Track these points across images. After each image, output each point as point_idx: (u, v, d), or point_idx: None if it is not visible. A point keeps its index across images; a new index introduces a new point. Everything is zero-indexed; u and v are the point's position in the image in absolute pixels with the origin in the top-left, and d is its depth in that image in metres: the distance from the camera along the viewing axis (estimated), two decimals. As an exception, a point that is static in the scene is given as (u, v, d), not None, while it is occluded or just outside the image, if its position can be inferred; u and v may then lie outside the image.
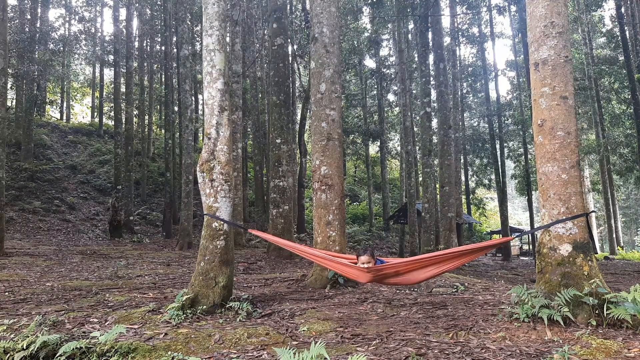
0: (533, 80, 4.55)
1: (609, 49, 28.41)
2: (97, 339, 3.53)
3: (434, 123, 19.25)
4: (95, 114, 35.52)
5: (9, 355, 3.39)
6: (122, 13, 23.46)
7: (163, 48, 26.05)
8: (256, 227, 17.76)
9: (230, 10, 14.49)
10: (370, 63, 34.20)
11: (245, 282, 7.28)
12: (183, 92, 16.55)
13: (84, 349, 3.38)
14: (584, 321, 3.92)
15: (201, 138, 30.17)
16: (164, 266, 9.74)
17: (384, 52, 30.88)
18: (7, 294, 5.92)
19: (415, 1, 16.51)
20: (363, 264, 4.58)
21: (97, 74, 33.84)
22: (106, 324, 4.34)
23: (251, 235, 14.98)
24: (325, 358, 2.73)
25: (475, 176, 31.27)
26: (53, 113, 34.96)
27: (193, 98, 23.49)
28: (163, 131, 30.35)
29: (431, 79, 17.07)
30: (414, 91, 25.33)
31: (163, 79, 29.13)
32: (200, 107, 30.39)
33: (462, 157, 28.17)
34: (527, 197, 22.52)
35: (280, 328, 4.24)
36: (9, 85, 20.94)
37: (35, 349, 3.37)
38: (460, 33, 25.67)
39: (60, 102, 35.43)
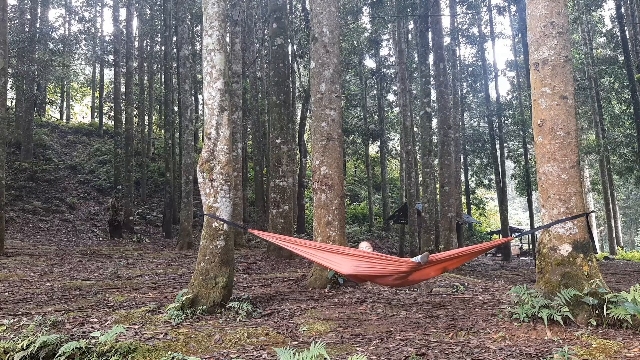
0: (533, 80, 4.55)
1: (609, 49, 28.39)
2: (97, 339, 3.53)
3: (434, 123, 19.24)
4: (95, 114, 35.50)
5: (9, 355, 3.39)
6: (122, 13, 23.47)
7: (163, 48, 26.05)
8: (256, 227, 17.76)
9: (230, 10, 14.49)
10: (370, 63, 34.21)
11: (245, 282, 7.27)
12: (183, 92, 16.54)
13: (84, 349, 3.38)
14: (584, 321, 3.92)
15: (201, 138, 30.16)
16: (164, 266, 9.74)
17: (383, 52, 30.90)
18: (7, 294, 5.92)
19: (415, 1, 16.49)
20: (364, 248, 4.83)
21: (97, 74, 33.82)
22: (106, 324, 4.34)
23: (251, 235, 14.97)
24: (325, 358, 2.73)
25: (475, 176, 31.24)
26: (53, 113, 34.94)
27: (193, 98, 23.47)
28: (163, 131, 30.35)
29: (431, 79, 17.07)
30: (414, 91, 25.32)
31: (163, 79, 29.13)
32: (200, 107, 30.37)
33: (462, 157, 28.13)
34: (527, 197, 22.50)
35: (280, 328, 4.24)
36: (9, 85, 20.93)
37: (35, 349, 3.37)
38: (460, 33, 25.64)
39: (60, 102, 35.42)
